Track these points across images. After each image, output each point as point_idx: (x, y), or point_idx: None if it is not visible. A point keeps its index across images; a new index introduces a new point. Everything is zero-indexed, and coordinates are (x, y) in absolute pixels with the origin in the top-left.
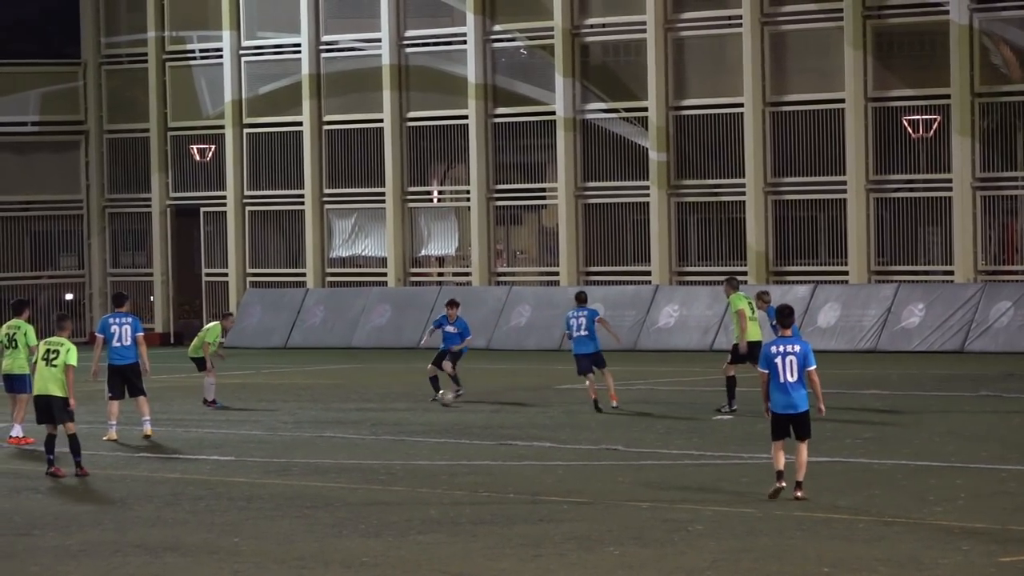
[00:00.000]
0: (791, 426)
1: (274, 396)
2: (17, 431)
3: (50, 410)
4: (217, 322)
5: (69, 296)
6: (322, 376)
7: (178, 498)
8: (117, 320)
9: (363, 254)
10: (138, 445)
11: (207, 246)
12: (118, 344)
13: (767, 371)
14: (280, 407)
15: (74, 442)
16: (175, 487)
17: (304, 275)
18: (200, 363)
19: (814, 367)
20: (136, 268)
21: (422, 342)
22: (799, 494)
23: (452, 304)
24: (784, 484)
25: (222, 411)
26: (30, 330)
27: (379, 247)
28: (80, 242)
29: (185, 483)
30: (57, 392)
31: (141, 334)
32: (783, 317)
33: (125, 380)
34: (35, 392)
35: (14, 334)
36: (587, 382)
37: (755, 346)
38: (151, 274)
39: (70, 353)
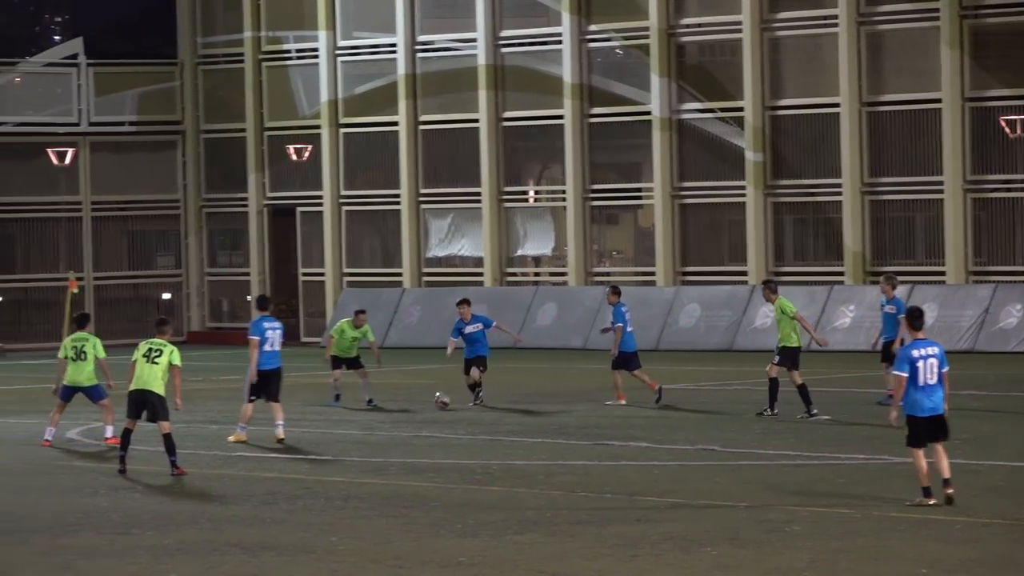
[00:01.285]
0: (930, 430)
1: (360, 396)
2: (109, 432)
3: (143, 405)
4: (348, 319)
5: (167, 295)
6: (418, 376)
7: (275, 497)
8: (271, 325)
9: (459, 254)
10: (261, 445)
11: (303, 245)
12: (269, 349)
13: (906, 374)
14: (377, 407)
15: (169, 441)
16: (272, 486)
17: (400, 275)
18: (338, 362)
19: (947, 369)
20: (233, 268)
21: (449, 354)
22: (950, 491)
23: (463, 303)
24: (934, 501)
25: (322, 410)
26: (98, 342)
27: (475, 247)
28: (177, 242)
29: (282, 482)
30: (157, 390)
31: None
32: (915, 319)
33: (268, 384)
34: (133, 387)
35: (82, 346)
36: (619, 378)
37: (794, 351)
38: (248, 273)
39: (174, 354)
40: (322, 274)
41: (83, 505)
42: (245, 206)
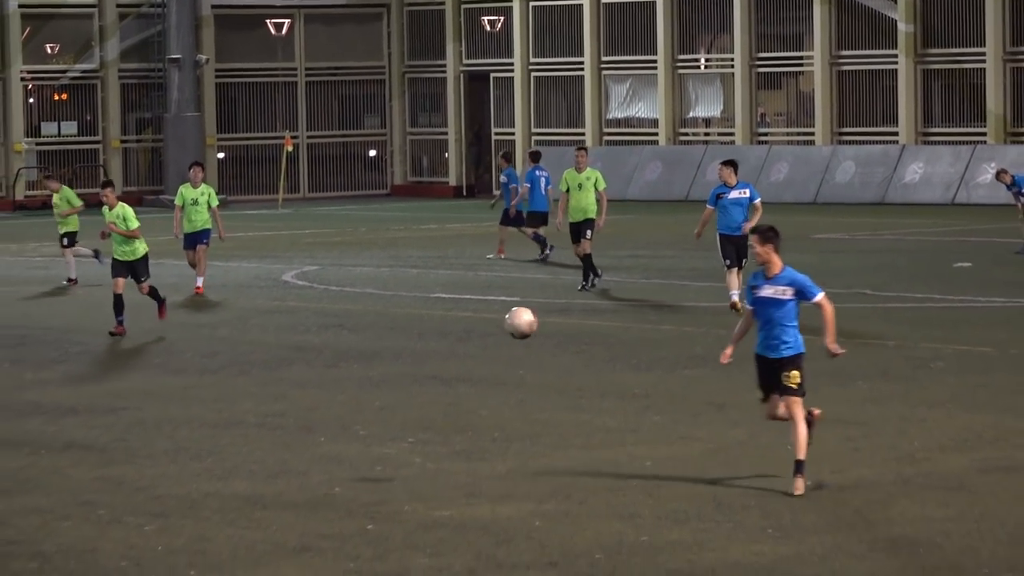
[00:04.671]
0: None
1: (555, 243)
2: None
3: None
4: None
5: (372, 152)
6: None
7: (470, 335)
8: (542, 172)
9: (636, 116)
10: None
11: (496, 108)
12: (542, 193)
13: None
14: (559, 253)
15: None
16: (467, 325)
17: (583, 134)
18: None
19: None
20: (432, 128)
21: (697, 233)
22: None
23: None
24: None
25: (508, 258)
26: (212, 192)
27: (651, 109)
28: (382, 104)
29: (476, 321)
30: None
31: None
32: None
33: (538, 221)
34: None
35: (197, 198)
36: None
37: None
38: (445, 133)
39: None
40: (513, 134)
41: (296, 341)
42: (443, 72)
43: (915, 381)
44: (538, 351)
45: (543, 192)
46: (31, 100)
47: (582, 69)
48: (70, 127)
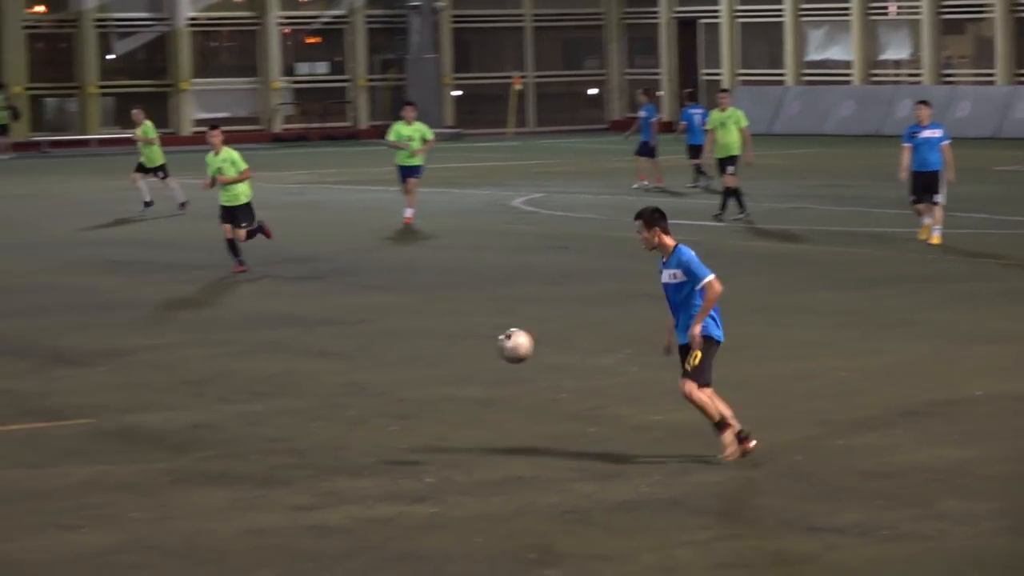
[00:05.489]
0: None
1: (755, 174)
2: (408, 212)
3: None
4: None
5: (593, 91)
6: (797, 159)
7: None
8: (696, 111)
9: (832, 58)
10: None
11: (704, 51)
12: (699, 129)
13: None
14: (761, 184)
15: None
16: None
17: (783, 75)
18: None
19: None
20: (646, 69)
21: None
22: None
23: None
24: None
25: (704, 188)
26: (425, 129)
27: (845, 52)
28: (601, 47)
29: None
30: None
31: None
32: None
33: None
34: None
35: (411, 135)
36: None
37: None
38: (658, 73)
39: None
40: (719, 74)
41: (523, 261)
42: (656, 18)
43: None
44: (732, 271)
45: (698, 127)
46: (287, 43)
47: (782, 15)
48: (321, 67)
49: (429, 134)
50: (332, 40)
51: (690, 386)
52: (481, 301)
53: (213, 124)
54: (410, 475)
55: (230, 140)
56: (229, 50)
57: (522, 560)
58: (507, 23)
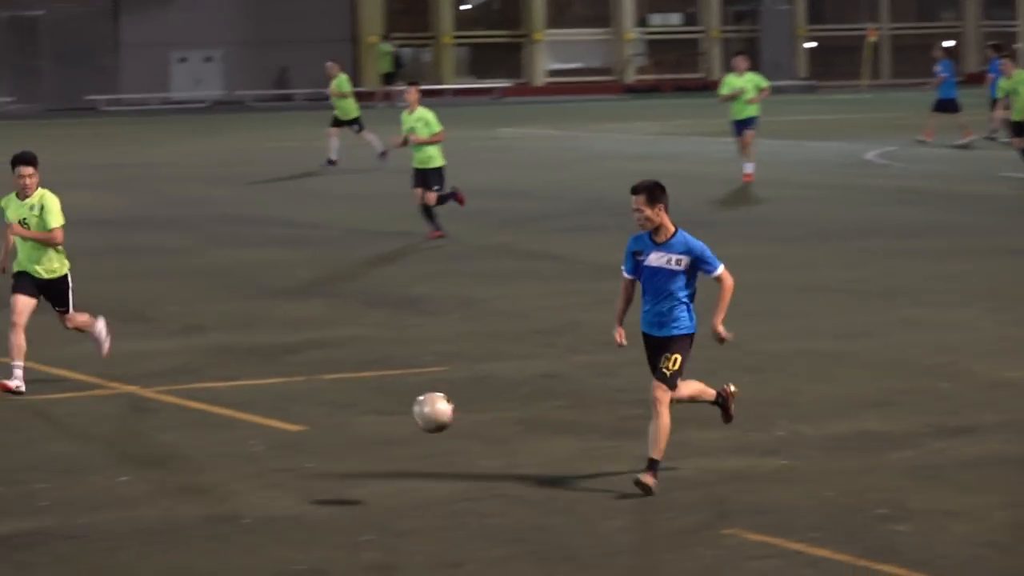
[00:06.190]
0: None
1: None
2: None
3: None
4: None
5: (948, 43)
6: None
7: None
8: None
9: None
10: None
11: None
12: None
13: None
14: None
15: None
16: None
17: None
18: None
19: None
20: (1004, 21)
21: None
22: None
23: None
24: None
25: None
26: (759, 79)
27: None
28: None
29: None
30: None
31: None
32: None
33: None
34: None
35: (744, 86)
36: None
37: None
38: (1015, 25)
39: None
40: None
41: (874, 214)
42: None
43: None
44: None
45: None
46: None
47: None
48: (674, 18)
49: (764, 82)
50: None
51: (668, 394)
52: (830, 254)
53: (412, 81)
54: (760, 428)
55: (583, 91)
56: (583, 1)
57: (872, 515)
58: None
